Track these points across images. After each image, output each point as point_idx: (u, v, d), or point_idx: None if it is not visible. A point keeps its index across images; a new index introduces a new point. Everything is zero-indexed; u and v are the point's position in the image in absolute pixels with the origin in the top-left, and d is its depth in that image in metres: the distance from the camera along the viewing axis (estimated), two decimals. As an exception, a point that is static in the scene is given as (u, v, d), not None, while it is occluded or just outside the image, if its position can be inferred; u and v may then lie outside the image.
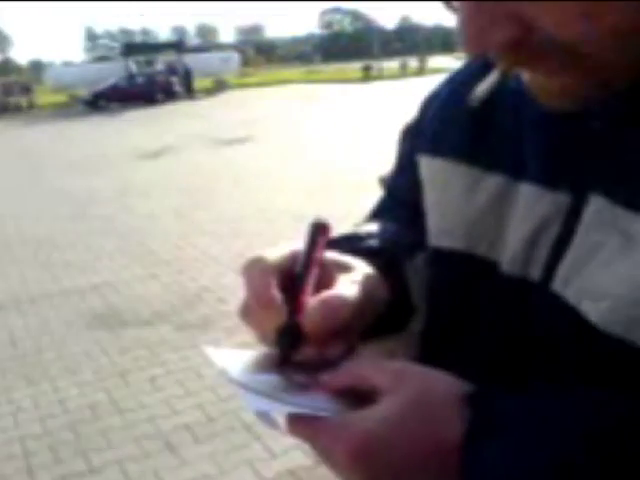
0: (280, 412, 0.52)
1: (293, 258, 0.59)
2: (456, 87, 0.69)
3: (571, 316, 0.52)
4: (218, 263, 6.26)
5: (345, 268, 0.61)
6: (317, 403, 0.53)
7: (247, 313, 0.58)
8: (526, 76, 0.56)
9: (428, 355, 0.65)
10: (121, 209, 8.94)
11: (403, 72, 39.98)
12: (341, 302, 0.55)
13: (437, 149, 0.68)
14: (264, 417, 0.54)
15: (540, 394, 0.51)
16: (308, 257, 0.58)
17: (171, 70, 35.15)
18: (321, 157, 11.76)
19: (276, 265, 0.58)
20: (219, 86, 36.66)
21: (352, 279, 0.59)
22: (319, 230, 0.59)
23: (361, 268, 0.62)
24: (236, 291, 5.68)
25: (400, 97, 23.25)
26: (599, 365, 0.51)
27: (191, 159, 12.76)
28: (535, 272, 0.57)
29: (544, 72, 0.52)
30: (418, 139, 0.74)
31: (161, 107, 27.93)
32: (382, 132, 13.87)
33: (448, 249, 0.66)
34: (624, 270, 0.49)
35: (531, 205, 0.57)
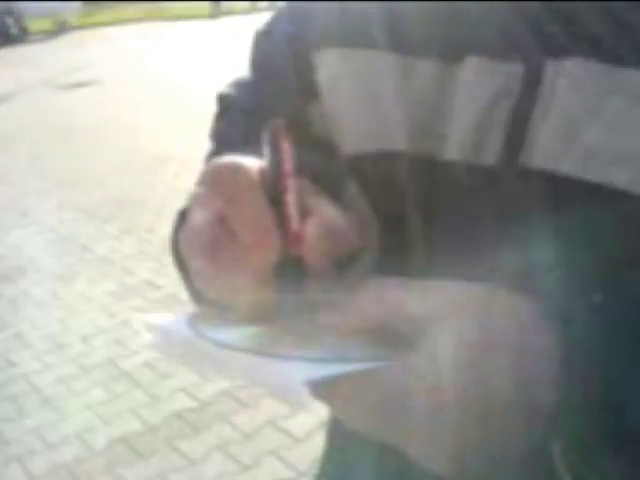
0: (335, 376, 0.37)
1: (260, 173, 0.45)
2: None
3: (571, 186, 0.46)
4: (79, 210, 5.99)
5: (310, 189, 0.47)
6: (354, 352, 0.39)
7: (214, 249, 0.42)
8: None
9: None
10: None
11: (253, 7, 39.25)
12: (345, 228, 0.43)
13: (355, 40, 0.58)
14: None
15: None
16: (280, 171, 0.43)
17: (7, 10, 32.77)
18: (177, 98, 11.40)
19: (258, 181, 0.43)
20: (60, 27, 34.61)
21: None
22: (278, 134, 0.43)
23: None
24: (99, 239, 5.43)
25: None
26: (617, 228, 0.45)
27: (38, 106, 12.02)
28: (491, 154, 0.50)
29: None
30: (306, 35, 0.63)
31: (-3, 51, 26.05)
32: (240, 67, 13.59)
33: (381, 152, 0.56)
34: None
35: (477, 84, 0.51)
